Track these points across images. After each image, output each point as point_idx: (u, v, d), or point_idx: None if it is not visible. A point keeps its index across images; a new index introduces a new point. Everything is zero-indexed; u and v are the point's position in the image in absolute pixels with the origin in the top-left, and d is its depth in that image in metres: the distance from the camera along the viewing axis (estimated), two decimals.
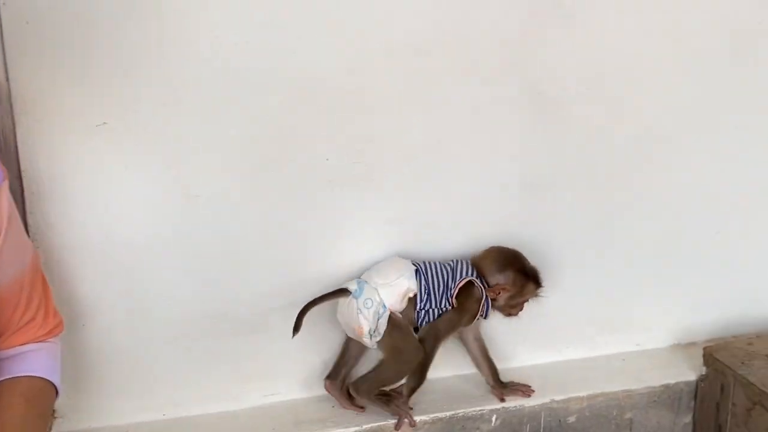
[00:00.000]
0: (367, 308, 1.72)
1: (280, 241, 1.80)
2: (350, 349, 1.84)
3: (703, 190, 2.03)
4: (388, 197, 1.84)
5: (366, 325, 1.72)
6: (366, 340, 1.75)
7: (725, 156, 2.02)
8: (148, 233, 1.71)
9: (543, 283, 1.85)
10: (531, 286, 1.84)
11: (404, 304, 1.77)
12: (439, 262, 1.83)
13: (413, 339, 1.78)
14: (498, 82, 1.82)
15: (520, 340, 2.01)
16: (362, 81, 1.74)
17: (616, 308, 1.97)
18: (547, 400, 1.92)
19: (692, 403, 2.02)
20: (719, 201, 2.06)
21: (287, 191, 1.77)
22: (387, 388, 1.83)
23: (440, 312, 1.79)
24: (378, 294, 1.73)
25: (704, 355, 1.98)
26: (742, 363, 1.90)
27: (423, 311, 1.79)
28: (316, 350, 1.89)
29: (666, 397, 1.99)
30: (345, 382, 1.85)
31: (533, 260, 1.87)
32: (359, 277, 1.79)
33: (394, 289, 1.74)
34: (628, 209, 1.99)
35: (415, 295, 1.77)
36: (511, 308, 1.86)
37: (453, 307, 1.78)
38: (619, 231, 2.00)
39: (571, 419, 1.94)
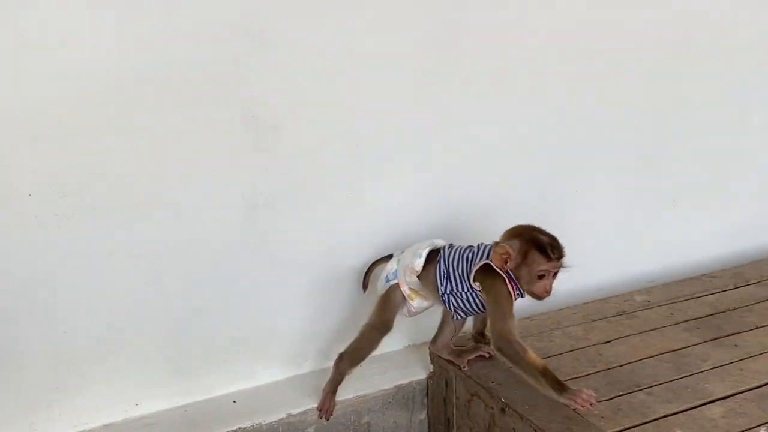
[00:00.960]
0: (385, 273, 1.97)
1: None
2: (448, 319, 2.01)
3: (426, 194, 2.16)
4: (107, 229, 1.79)
5: (379, 286, 1.97)
6: None
7: (441, 170, 2.17)
8: None
9: (552, 254, 1.74)
10: (535, 254, 1.75)
11: (412, 278, 1.90)
12: (465, 247, 1.90)
13: (384, 319, 1.94)
14: (211, 107, 1.83)
15: (259, 355, 2.05)
16: (60, 110, 1.68)
17: None
18: (284, 415, 1.95)
19: (425, 400, 2.14)
20: (452, 208, 2.20)
21: None
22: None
23: (467, 295, 1.84)
24: (394, 264, 1.95)
25: (430, 354, 2.11)
26: None
27: (447, 295, 1.87)
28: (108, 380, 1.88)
29: (400, 397, 2.10)
30: (446, 344, 2.03)
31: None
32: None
33: (401, 263, 1.94)
34: (344, 220, 2.07)
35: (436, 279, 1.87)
36: (528, 284, 1.77)
37: (480, 291, 1.82)
38: (339, 241, 2.08)
39: (310, 430, 1.99)
